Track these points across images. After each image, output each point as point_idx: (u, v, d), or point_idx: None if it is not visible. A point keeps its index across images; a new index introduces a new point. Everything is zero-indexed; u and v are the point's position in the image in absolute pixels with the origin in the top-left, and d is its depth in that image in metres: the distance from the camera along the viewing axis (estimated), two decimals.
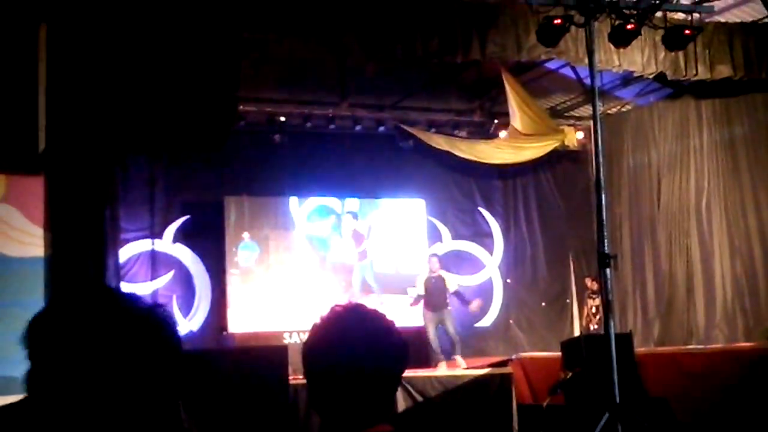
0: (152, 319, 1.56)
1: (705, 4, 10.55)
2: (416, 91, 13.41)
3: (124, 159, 9.84)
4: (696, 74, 11.32)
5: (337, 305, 2.27)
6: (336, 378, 2.11)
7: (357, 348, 2.12)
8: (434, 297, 12.38)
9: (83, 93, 8.35)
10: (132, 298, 1.61)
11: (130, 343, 1.50)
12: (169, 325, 1.59)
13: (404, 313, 12.24)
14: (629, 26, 9.26)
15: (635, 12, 9.17)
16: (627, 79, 12.99)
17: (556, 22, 9.08)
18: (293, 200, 13.74)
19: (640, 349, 9.89)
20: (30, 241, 9.65)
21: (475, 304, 12.81)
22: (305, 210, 13.86)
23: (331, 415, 2.15)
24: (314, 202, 13.94)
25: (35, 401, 1.55)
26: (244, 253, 13.21)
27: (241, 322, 12.80)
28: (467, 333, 13.46)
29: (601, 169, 6.55)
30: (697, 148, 13.13)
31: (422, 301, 12.46)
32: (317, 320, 2.26)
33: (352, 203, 14.16)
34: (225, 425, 7.13)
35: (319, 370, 2.16)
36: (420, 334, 12.04)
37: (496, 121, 14.13)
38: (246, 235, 13.20)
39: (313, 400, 2.18)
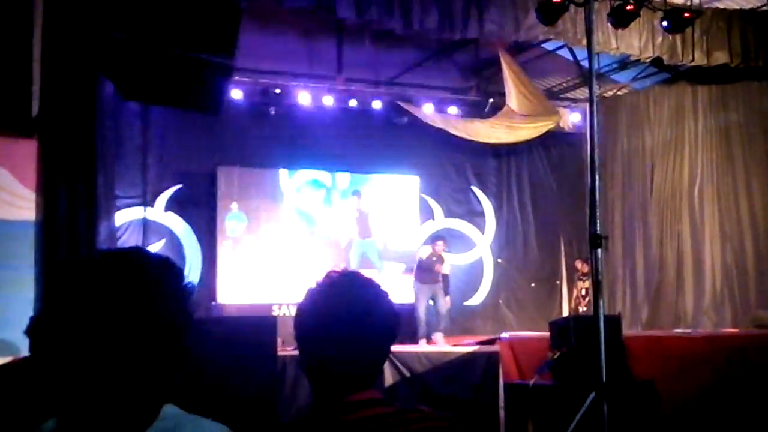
0: (159, 275, 1.56)
1: None
2: (412, 67, 13.40)
3: (117, 123, 9.81)
4: (693, 60, 11.33)
5: (332, 271, 2.29)
6: (327, 342, 2.14)
7: (349, 313, 2.15)
8: (429, 272, 12.43)
9: (79, 56, 8.30)
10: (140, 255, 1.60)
11: (137, 301, 1.49)
12: (174, 278, 1.59)
13: (395, 288, 12.28)
14: (629, 7, 9.25)
15: None
16: (624, 62, 13.00)
17: (556, 0, 9.06)
18: (283, 172, 13.74)
19: (627, 332, 9.93)
20: (21, 204, 9.62)
21: (446, 300, 12.76)
22: (295, 183, 13.87)
23: (321, 379, 2.17)
24: (305, 175, 13.94)
25: (41, 360, 1.54)
26: (231, 223, 13.23)
27: (230, 293, 12.82)
28: (456, 311, 13.51)
29: (596, 151, 6.54)
30: (691, 133, 13.16)
31: (414, 274, 12.54)
32: (312, 284, 2.28)
33: (350, 178, 14.16)
34: (212, 394, 7.15)
35: (310, 334, 2.18)
36: (409, 310, 12.07)
37: (491, 100, 14.12)
38: (234, 205, 13.22)
39: (304, 363, 2.20)
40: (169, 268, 1.58)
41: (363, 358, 2.16)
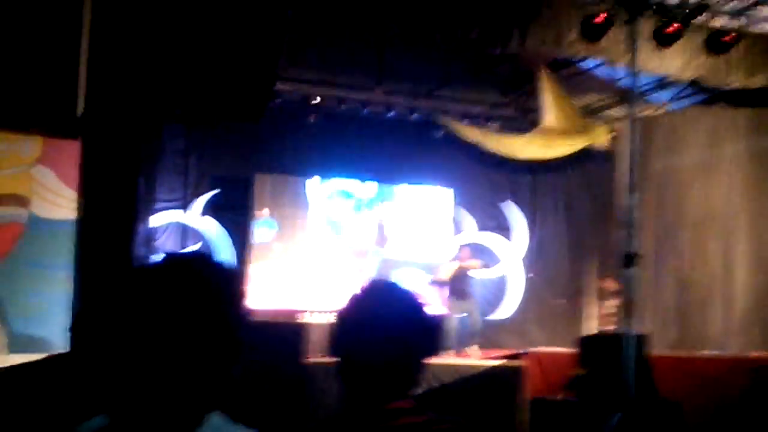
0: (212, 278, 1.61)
1: (748, 12, 10.54)
2: (451, 81, 13.45)
3: (161, 128, 9.94)
4: (733, 82, 11.30)
5: (376, 279, 2.37)
6: (365, 349, 2.19)
7: (390, 323, 2.20)
8: (461, 285, 12.56)
9: (125, 59, 8.43)
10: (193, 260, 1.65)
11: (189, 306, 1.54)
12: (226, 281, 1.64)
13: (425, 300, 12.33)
14: (672, 28, 9.26)
15: (680, 14, 9.18)
16: (662, 82, 12.97)
17: (598, 19, 9.10)
18: (315, 180, 13.85)
19: (655, 351, 9.94)
20: (63, 204, 9.79)
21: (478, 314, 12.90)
22: (326, 191, 13.98)
23: (356, 386, 2.23)
24: (336, 183, 14.05)
25: (96, 358, 1.59)
26: (262, 230, 13.36)
27: (258, 298, 12.95)
28: (483, 324, 13.55)
29: (634, 170, 6.59)
30: (727, 156, 13.10)
31: (447, 289, 12.66)
32: (356, 292, 2.35)
33: (382, 189, 14.26)
34: (241, 399, 7.26)
35: (350, 340, 2.24)
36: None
37: (528, 116, 14.15)
38: (265, 211, 13.35)
39: (340, 369, 2.26)
40: (231, 274, 1.64)
41: (401, 366, 2.21)
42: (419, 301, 2.32)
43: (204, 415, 1.58)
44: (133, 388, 1.51)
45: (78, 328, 1.62)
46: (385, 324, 2.21)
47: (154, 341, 1.51)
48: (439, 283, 12.77)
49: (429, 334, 2.29)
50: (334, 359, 2.28)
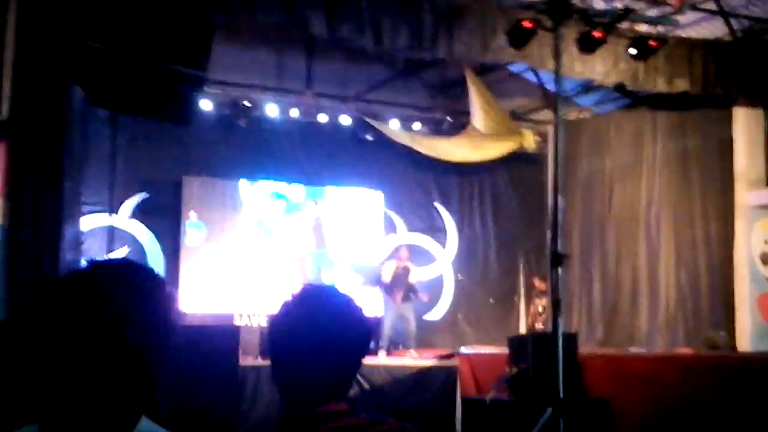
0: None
1: (671, 17, 10.79)
2: (380, 84, 13.53)
3: (87, 132, 9.80)
4: (655, 86, 11.54)
5: (308, 284, 2.38)
6: (299, 354, 2.18)
7: (322, 326, 2.19)
8: (399, 287, 12.65)
9: (50, 61, 8.31)
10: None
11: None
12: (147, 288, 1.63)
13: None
14: (596, 34, 9.44)
15: (603, 20, 9.35)
16: (587, 87, 13.20)
17: (526, 24, 9.23)
18: (244, 183, 13.81)
19: (583, 349, 10.11)
20: None
21: (425, 296, 13.13)
22: (256, 193, 13.93)
23: (292, 391, 2.22)
24: (266, 186, 14.02)
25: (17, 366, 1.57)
26: (190, 233, 13.25)
27: (191, 301, 12.84)
28: (416, 325, 13.65)
29: (559, 172, 6.72)
30: (650, 158, 13.39)
31: (383, 289, 12.76)
32: (288, 297, 2.35)
33: (312, 191, 14.27)
34: (173, 403, 7.20)
35: (283, 345, 2.22)
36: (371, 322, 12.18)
37: (457, 119, 14.29)
38: (193, 214, 13.24)
39: (275, 373, 2.25)
40: (157, 279, 1.64)
41: (335, 370, 2.20)
42: (353, 303, 2.33)
43: (134, 421, 1.58)
44: (60, 397, 1.50)
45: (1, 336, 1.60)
46: (317, 328, 2.20)
47: (80, 349, 1.50)
48: (384, 286, 12.85)
49: (362, 336, 2.31)
50: (267, 363, 2.28)
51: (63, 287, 1.58)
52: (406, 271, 12.86)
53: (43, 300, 1.58)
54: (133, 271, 1.63)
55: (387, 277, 12.80)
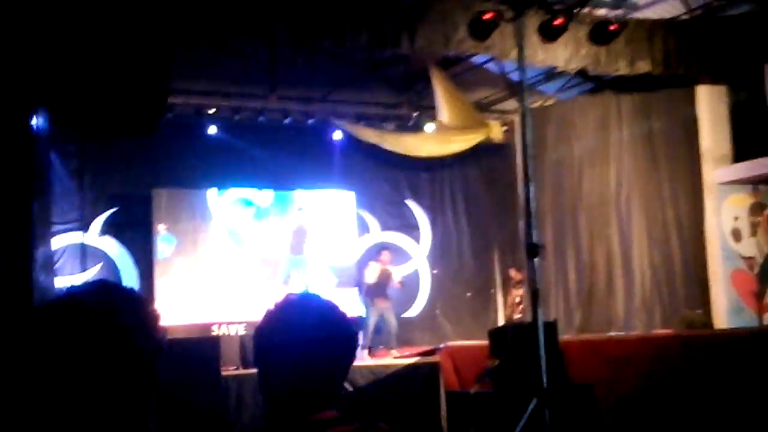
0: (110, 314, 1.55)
1: (628, 1, 10.85)
2: (344, 84, 13.50)
3: (50, 150, 9.71)
4: (617, 70, 11.60)
5: (290, 293, 2.36)
6: (287, 363, 2.17)
7: (308, 334, 2.18)
8: (380, 288, 12.69)
9: (12, 81, 8.24)
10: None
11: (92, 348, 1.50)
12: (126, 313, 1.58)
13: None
14: (557, 21, 9.47)
15: (563, 7, 9.39)
16: (549, 74, 13.25)
17: (487, 17, 9.25)
18: (212, 192, 13.75)
19: (563, 337, 10.15)
20: None
21: (398, 284, 13.20)
22: (225, 202, 13.88)
23: (280, 400, 2.22)
24: (234, 193, 13.97)
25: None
26: (161, 246, 13.18)
27: (168, 314, 12.75)
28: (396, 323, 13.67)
29: (529, 161, 6.74)
30: (617, 141, 13.44)
31: (365, 292, 12.81)
32: (271, 306, 2.34)
33: (282, 196, 14.23)
34: (160, 417, 7.16)
35: (270, 355, 2.21)
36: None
37: (423, 114, 14.31)
38: (161, 227, 13.17)
39: (263, 384, 2.26)
40: (138, 300, 1.60)
41: (323, 378, 2.19)
42: (337, 310, 2.32)
43: None
44: (51, 424, 1.47)
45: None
46: (303, 336, 2.18)
47: (67, 381, 1.47)
48: (367, 288, 12.90)
49: (348, 343, 2.30)
50: (249, 372, 2.26)
51: (43, 319, 1.54)
52: (388, 273, 12.94)
53: (23, 334, 1.53)
54: (113, 294, 1.60)
55: (371, 279, 12.85)
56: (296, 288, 13.16)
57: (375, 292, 12.72)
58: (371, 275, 12.89)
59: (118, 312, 1.56)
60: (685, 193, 12.87)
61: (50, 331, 1.51)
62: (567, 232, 13.78)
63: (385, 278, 12.93)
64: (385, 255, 13.20)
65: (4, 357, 1.57)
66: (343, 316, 2.32)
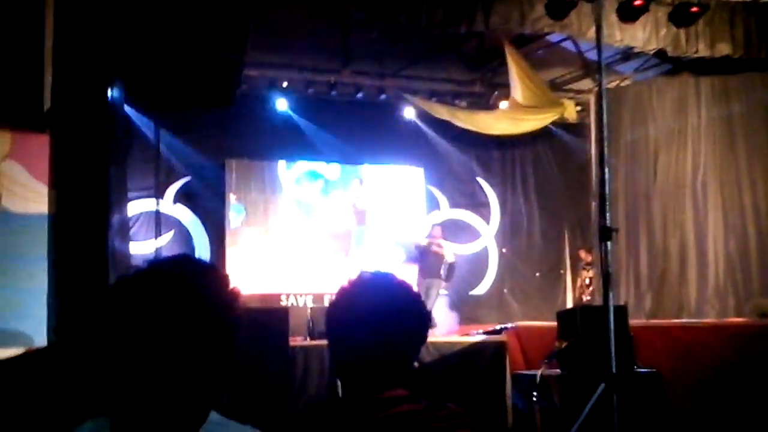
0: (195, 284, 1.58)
1: None
2: (418, 60, 13.45)
3: (129, 118, 9.87)
4: (696, 51, 11.38)
5: (364, 271, 2.37)
6: (359, 341, 2.19)
7: (382, 313, 2.20)
8: (430, 265, 12.60)
9: (91, 51, 8.36)
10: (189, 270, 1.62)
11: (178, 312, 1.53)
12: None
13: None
14: (637, 2, 9.30)
15: None
16: (627, 54, 13.04)
17: None
18: (282, 164, 13.83)
19: (632, 321, 10.03)
20: (35, 198, 9.72)
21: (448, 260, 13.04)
22: (293, 174, 13.96)
23: (352, 376, 2.23)
24: (303, 166, 14.04)
25: (67, 350, 1.56)
26: (231, 215, 13.35)
27: (238, 283, 12.88)
28: (461, 301, 13.66)
29: (605, 143, 6.64)
30: (694, 124, 13.20)
31: (418, 267, 12.74)
32: (344, 283, 2.35)
33: (351, 170, 14.27)
34: (230, 385, 7.26)
35: (343, 332, 2.24)
36: None
37: (496, 92, 14.20)
38: (232, 197, 13.33)
39: (335, 360, 2.28)
40: (215, 274, 1.62)
41: (393, 357, 2.21)
42: (411, 291, 2.33)
43: (208, 411, 1.58)
44: (133, 395, 1.50)
45: (64, 335, 1.59)
46: (376, 315, 2.20)
47: (152, 349, 1.50)
48: (415, 260, 12.87)
49: (420, 323, 2.30)
50: (315, 343, 2.28)
51: (128, 289, 1.56)
52: (439, 249, 12.85)
53: (109, 303, 1.56)
54: (198, 268, 1.62)
55: (417, 254, 12.81)
56: (360, 262, 13.23)
57: (423, 269, 12.63)
58: (418, 249, 12.84)
59: (201, 286, 1.58)
60: (763, 179, 12.59)
61: (135, 300, 1.53)
62: (640, 216, 13.58)
63: (434, 255, 12.79)
64: (436, 230, 13.10)
65: (86, 322, 1.59)
66: (416, 296, 2.33)
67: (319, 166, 14.14)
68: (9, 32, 8.22)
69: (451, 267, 12.82)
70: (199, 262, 1.64)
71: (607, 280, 6.50)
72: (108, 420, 1.56)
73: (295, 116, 13.62)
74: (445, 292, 13.11)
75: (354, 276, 2.34)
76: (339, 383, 2.30)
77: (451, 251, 13.04)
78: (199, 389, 1.54)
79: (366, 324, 2.20)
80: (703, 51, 11.35)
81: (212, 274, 1.62)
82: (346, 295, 2.30)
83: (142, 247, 11.98)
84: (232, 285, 1.64)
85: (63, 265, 8.16)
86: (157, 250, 12.48)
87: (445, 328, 12.52)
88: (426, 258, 12.66)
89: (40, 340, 8.02)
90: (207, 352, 1.54)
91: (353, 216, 14.01)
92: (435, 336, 11.77)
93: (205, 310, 1.54)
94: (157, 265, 1.61)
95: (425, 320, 2.31)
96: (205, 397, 1.56)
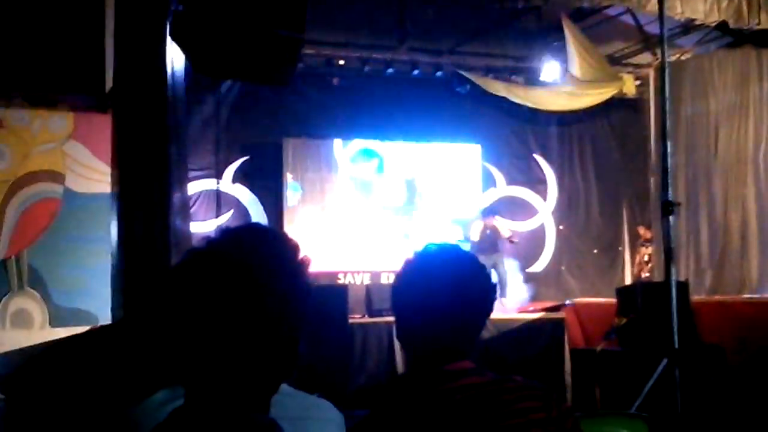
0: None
1: None
2: (474, 36, 13.37)
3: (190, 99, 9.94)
4: (759, 23, 11.19)
5: (430, 243, 2.37)
6: (424, 313, 2.20)
7: (447, 285, 2.20)
8: (486, 243, 12.62)
9: (150, 31, 8.45)
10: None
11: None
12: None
13: None
14: None
15: None
16: (687, 27, 12.84)
17: None
18: (338, 142, 13.88)
19: (692, 297, 9.94)
20: (97, 178, 9.92)
21: (513, 236, 13.09)
22: (350, 152, 13.99)
23: (416, 349, 2.25)
24: (360, 144, 14.06)
25: (134, 326, 1.56)
26: (288, 193, 13.43)
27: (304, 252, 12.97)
28: (519, 278, 13.62)
29: (666, 117, 6.58)
30: (756, 98, 12.98)
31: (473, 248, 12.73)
32: (410, 256, 2.36)
33: (408, 148, 14.26)
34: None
35: (408, 305, 2.25)
36: None
37: (554, 67, 14.06)
38: (288, 175, 13.40)
39: (400, 333, 2.29)
40: (285, 241, 1.62)
41: (459, 329, 2.22)
42: (476, 262, 2.33)
43: (278, 386, 1.58)
44: (206, 367, 1.50)
45: (136, 306, 1.61)
46: (442, 287, 2.21)
47: (224, 321, 1.50)
48: (472, 245, 12.86)
49: (486, 295, 2.30)
50: (375, 320, 2.30)
51: (200, 259, 1.56)
52: (494, 231, 12.85)
53: (181, 272, 1.56)
54: (268, 236, 1.62)
55: (474, 237, 12.79)
56: (417, 240, 13.25)
57: (481, 249, 12.63)
58: (474, 233, 12.84)
59: (271, 255, 1.57)
60: None
61: (206, 270, 1.53)
62: (700, 191, 13.40)
63: (491, 236, 12.81)
64: (489, 219, 13.14)
65: (153, 298, 1.61)
66: (481, 267, 2.33)
67: (375, 144, 14.15)
68: (71, 13, 8.35)
69: (509, 239, 12.92)
70: (269, 231, 1.64)
71: (669, 255, 6.46)
72: (181, 390, 1.57)
73: (351, 94, 13.61)
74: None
75: (419, 248, 2.35)
76: (399, 359, 2.32)
77: (506, 228, 13.10)
78: (270, 360, 1.54)
79: (431, 296, 2.21)
80: (765, 23, 11.16)
81: (282, 242, 1.62)
82: (412, 267, 2.31)
83: (202, 227, 12.11)
84: (301, 253, 1.63)
85: (126, 245, 8.30)
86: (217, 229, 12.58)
87: (516, 303, 12.53)
88: (482, 239, 12.72)
89: (105, 318, 8.18)
90: (278, 321, 1.54)
91: (405, 194, 14.01)
92: (504, 307, 11.78)
93: (276, 279, 1.54)
94: (227, 234, 1.61)
95: (491, 292, 2.31)
96: (277, 368, 1.56)
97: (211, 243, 1.58)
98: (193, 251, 1.58)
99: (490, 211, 13.34)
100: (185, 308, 1.52)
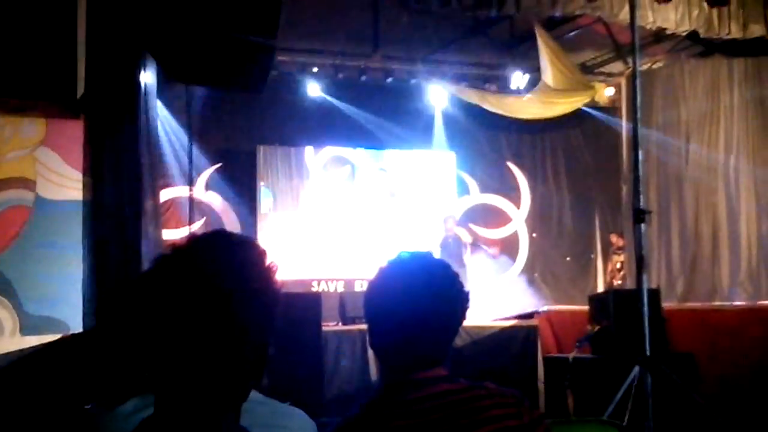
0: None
1: None
2: (448, 44, 13.40)
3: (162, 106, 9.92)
4: (729, 33, 11.28)
5: (403, 251, 2.37)
6: (397, 321, 2.19)
7: (420, 293, 2.20)
8: (450, 258, 12.61)
9: (122, 36, 8.41)
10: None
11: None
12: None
13: None
14: None
15: None
16: (659, 36, 12.93)
17: None
18: (310, 150, 13.86)
19: (664, 304, 9.99)
20: (68, 184, 9.81)
21: (493, 250, 13.11)
22: (322, 159, 13.98)
23: (389, 357, 2.25)
24: (330, 152, 14.05)
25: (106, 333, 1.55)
26: (260, 200, 13.42)
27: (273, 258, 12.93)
28: (492, 285, 13.64)
29: (638, 125, 6.63)
30: (727, 106, 13.10)
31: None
32: (383, 264, 2.35)
33: (381, 155, 14.27)
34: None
35: (381, 312, 2.25)
36: None
37: (527, 75, 14.13)
38: (261, 183, 13.39)
39: (372, 341, 2.28)
40: (253, 247, 1.59)
41: (432, 337, 2.21)
42: (450, 270, 2.33)
43: (247, 393, 1.56)
44: (176, 373, 1.49)
45: (106, 313, 1.58)
46: (415, 295, 2.21)
47: (191, 326, 1.48)
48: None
49: (459, 303, 2.30)
50: (349, 328, 2.30)
51: (166, 265, 1.54)
52: (456, 240, 12.85)
53: (148, 279, 1.54)
54: (234, 242, 1.59)
55: (435, 247, 12.78)
56: (391, 247, 13.24)
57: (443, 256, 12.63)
58: (435, 243, 12.87)
59: (238, 261, 1.55)
60: None
61: (173, 276, 1.52)
62: (671, 199, 13.50)
63: (453, 245, 12.80)
64: (449, 221, 13.14)
65: (123, 304, 1.60)
66: (454, 275, 2.33)
67: (347, 151, 14.14)
68: (42, 19, 8.29)
69: (475, 244, 12.93)
70: (236, 237, 1.61)
71: (640, 262, 6.51)
72: (152, 398, 1.55)
73: (324, 101, 13.61)
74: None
75: (393, 256, 2.35)
76: (372, 368, 2.32)
77: (467, 235, 13.15)
78: (240, 365, 1.52)
79: (405, 303, 2.21)
80: (735, 32, 11.26)
81: (249, 247, 1.59)
82: (385, 274, 2.31)
83: (175, 234, 12.04)
84: (269, 260, 1.60)
85: (98, 252, 8.25)
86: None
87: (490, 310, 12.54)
88: (446, 254, 12.69)
89: (76, 326, 8.11)
90: (247, 326, 1.52)
91: (383, 201, 14.01)
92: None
93: (243, 284, 1.52)
94: (194, 240, 1.59)
95: (464, 300, 2.31)
96: (246, 373, 1.54)
97: (177, 249, 1.57)
98: (159, 258, 1.56)
99: (445, 219, 13.35)
100: (153, 315, 1.50)
